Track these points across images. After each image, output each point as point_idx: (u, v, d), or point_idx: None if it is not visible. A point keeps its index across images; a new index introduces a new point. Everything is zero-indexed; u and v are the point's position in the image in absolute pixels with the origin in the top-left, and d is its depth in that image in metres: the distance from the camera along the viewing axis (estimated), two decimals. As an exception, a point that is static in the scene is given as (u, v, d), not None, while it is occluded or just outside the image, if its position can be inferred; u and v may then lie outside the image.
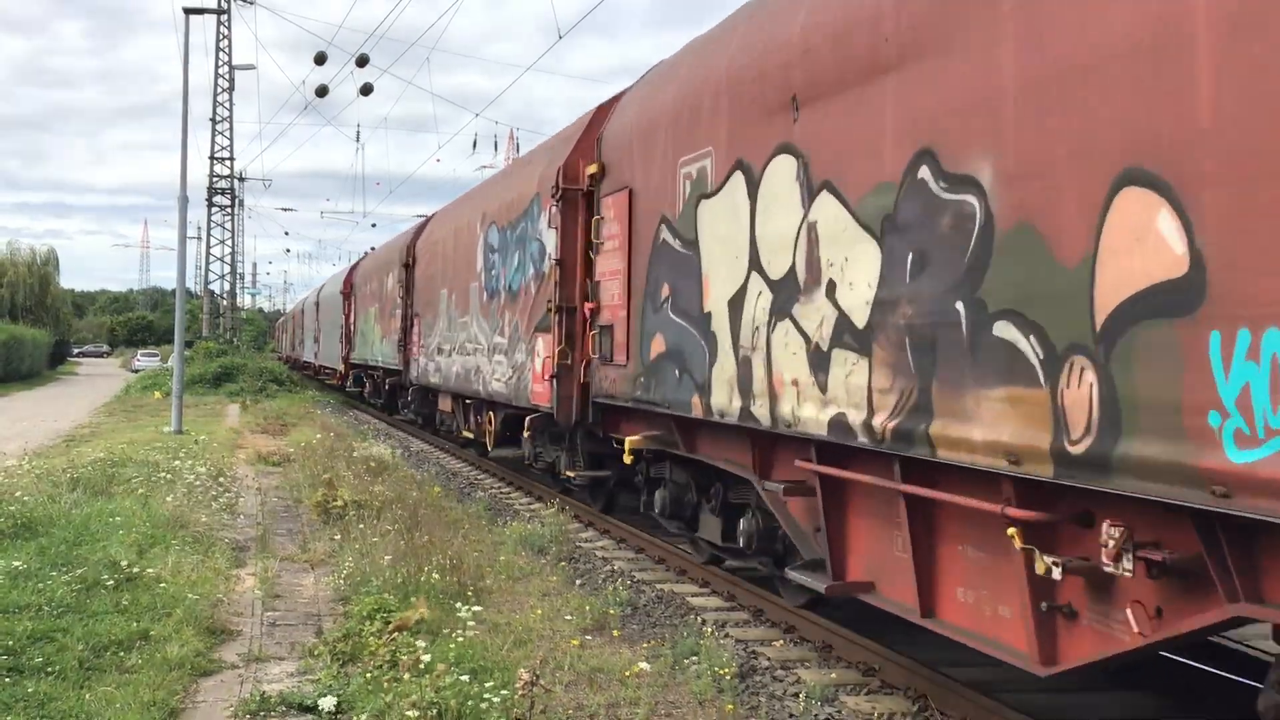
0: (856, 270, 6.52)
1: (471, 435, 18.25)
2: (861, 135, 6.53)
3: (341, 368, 35.53)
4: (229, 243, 57.32)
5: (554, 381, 11.96)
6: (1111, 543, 4.76)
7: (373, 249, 38.37)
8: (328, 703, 6.14)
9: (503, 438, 16.42)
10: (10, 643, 6.84)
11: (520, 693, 5.67)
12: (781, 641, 8.28)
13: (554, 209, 12.26)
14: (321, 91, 36.91)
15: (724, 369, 8.07)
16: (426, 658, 6.52)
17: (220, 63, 53.24)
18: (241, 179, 60.19)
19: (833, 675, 7.38)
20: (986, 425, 5.35)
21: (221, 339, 54.99)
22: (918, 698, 6.88)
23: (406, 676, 6.31)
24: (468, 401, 18.08)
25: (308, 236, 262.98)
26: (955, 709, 6.57)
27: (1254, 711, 4.67)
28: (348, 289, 34.40)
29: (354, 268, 35.42)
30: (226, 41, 53.24)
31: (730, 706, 6.63)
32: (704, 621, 8.73)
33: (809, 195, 6.98)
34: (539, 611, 8.68)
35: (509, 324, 14.59)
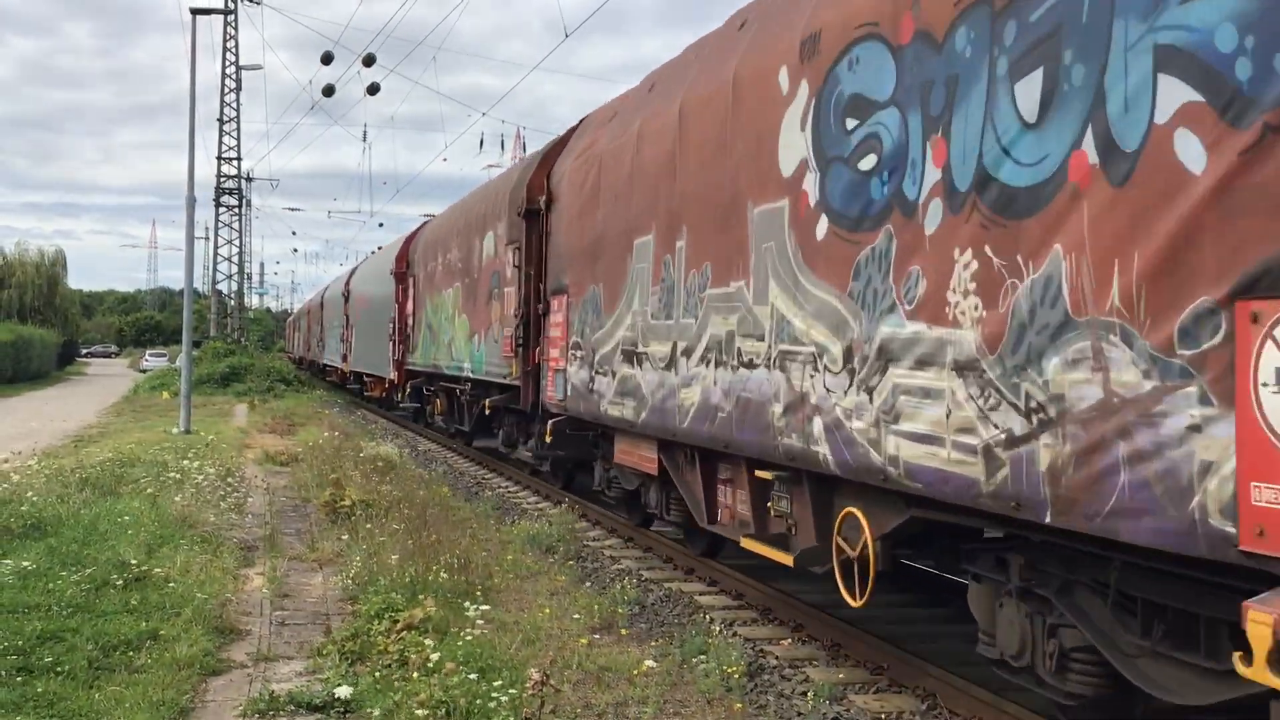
0: None
1: (758, 544, 8.36)
2: None
3: (393, 376, 26.69)
4: (236, 243, 57.44)
5: None
6: None
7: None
8: (344, 692, 6.16)
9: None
10: (20, 642, 6.86)
11: (530, 692, 5.67)
12: (789, 640, 8.27)
13: None
14: (328, 91, 36.95)
15: None
16: (435, 656, 6.52)
17: (227, 63, 53.34)
18: (249, 179, 60.39)
19: (841, 674, 7.37)
20: None
21: (229, 339, 55.07)
22: (926, 696, 6.87)
23: (415, 675, 6.32)
24: (765, 474, 8.07)
25: (315, 236, 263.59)
26: (964, 708, 6.55)
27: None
28: (402, 268, 26.26)
29: (411, 238, 26.90)
30: (233, 42, 53.35)
31: (738, 705, 6.62)
32: (712, 620, 8.72)
33: None
34: (547, 610, 8.68)
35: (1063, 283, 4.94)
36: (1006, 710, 6.33)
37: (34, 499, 11.63)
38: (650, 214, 9.90)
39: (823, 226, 6.96)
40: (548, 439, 13.32)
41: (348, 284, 38.41)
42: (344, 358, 38.15)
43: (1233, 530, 3.97)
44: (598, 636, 8.16)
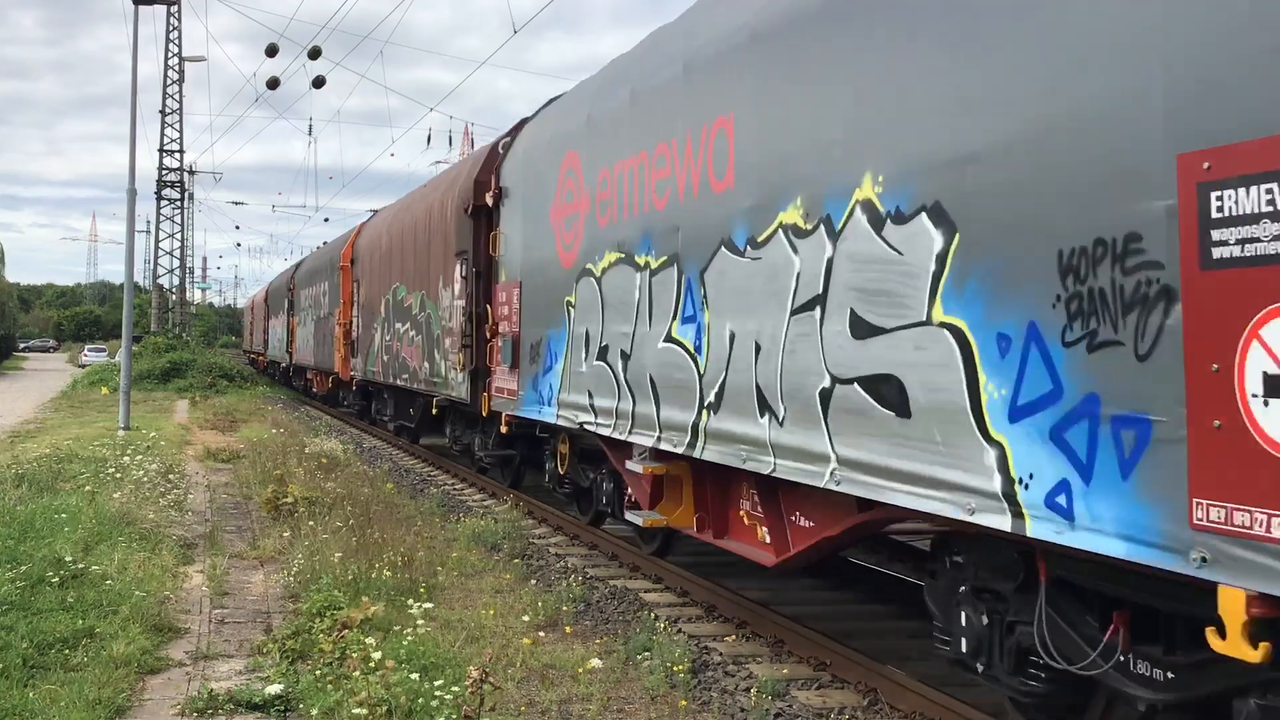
0: None
1: None
2: None
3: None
4: (178, 236, 56.65)
5: None
6: None
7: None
8: (275, 689, 6.11)
9: None
10: (-49, 641, 6.73)
11: (470, 690, 5.65)
12: (734, 637, 8.31)
13: None
14: (273, 84, 36.44)
15: None
16: (377, 655, 6.48)
17: (170, 54, 52.60)
18: (191, 172, 59.54)
19: (784, 670, 7.42)
20: None
21: (170, 334, 54.30)
22: (868, 692, 6.94)
23: (356, 674, 6.27)
24: None
25: (259, 230, 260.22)
26: (905, 703, 6.62)
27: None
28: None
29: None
30: (177, 33, 52.63)
31: (683, 702, 6.65)
32: (657, 617, 8.74)
33: None
34: (492, 609, 8.65)
35: None
36: (945, 704, 6.41)
37: (-33, 495, 11.41)
38: None
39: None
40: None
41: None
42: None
43: None
44: (543, 634, 8.15)
